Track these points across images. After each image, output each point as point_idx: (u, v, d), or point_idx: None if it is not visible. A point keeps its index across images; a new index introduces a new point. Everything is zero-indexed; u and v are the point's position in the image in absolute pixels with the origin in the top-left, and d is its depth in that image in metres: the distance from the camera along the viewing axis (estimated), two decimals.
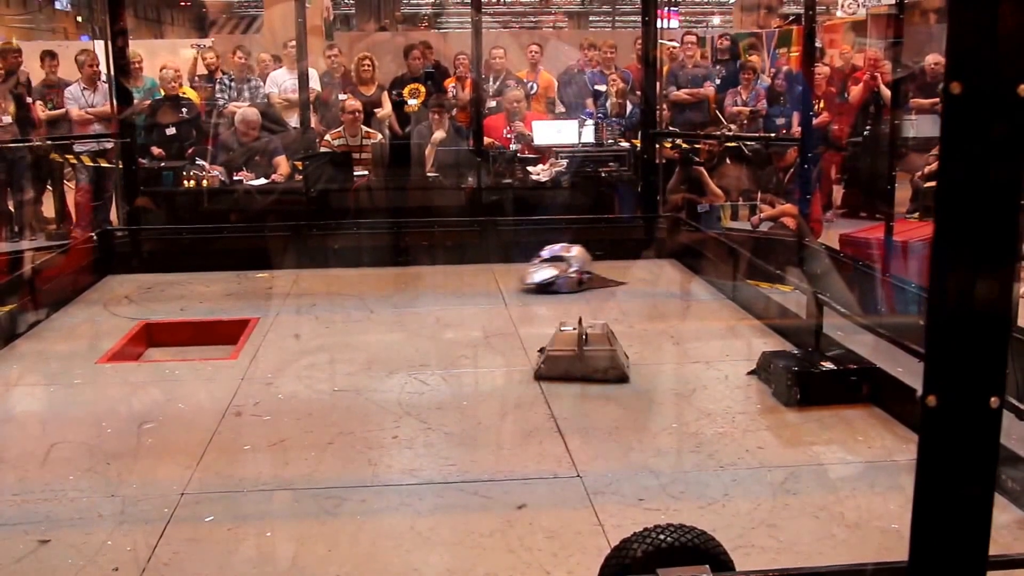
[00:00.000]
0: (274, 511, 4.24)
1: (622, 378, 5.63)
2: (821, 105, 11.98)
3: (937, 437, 1.75)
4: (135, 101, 10.10)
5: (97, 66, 11.30)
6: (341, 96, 10.95)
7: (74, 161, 11.30)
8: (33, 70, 12.27)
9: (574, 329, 5.75)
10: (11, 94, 11.49)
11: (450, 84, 11.69)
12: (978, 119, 1.57)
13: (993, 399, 1.69)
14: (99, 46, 11.38)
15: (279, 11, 15.22)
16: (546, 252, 8.00)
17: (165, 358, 6.58)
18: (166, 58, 13.15)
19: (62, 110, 11.57)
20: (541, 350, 5.87)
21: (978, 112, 1.56)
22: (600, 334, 5.78)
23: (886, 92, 11.29)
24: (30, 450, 4.80)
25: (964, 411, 1.70)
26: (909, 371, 5.16)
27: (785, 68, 13.51)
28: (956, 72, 1.56)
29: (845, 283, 7.00)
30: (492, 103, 11.14)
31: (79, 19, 21.79)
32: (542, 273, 7.81)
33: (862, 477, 4.50)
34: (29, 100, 11.66)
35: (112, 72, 9.10)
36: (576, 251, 7.97)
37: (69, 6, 20.23)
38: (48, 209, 11.96)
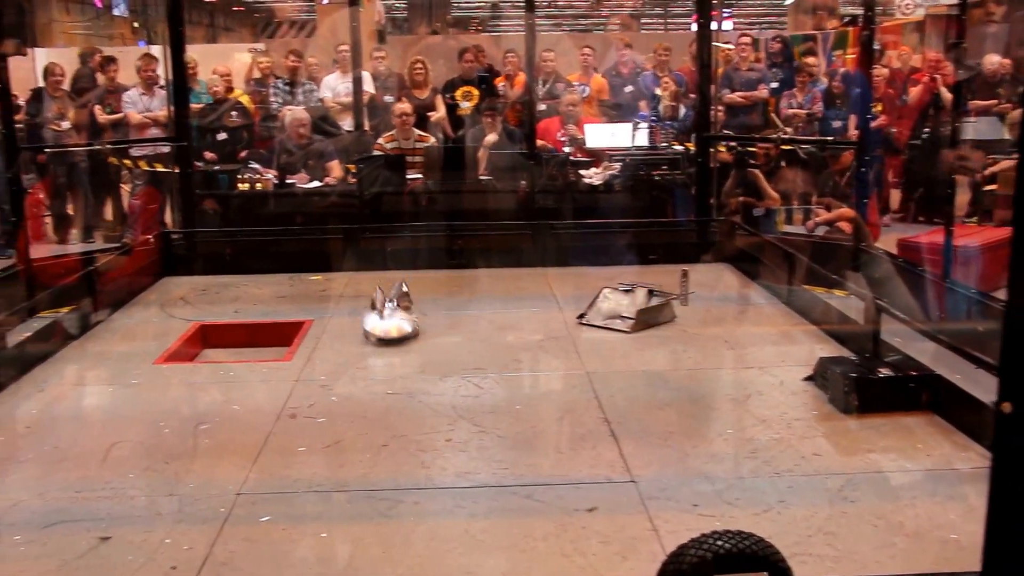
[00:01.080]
0: (329, 512, 4.26)
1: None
2: (879, 107, 11.85)
3: (1012, 444, 1.72)
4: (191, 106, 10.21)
5: (155, 71, 11.43)
6: (392, 99, 10.98)
7: (131, 165, 11.43)
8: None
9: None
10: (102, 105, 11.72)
11: (499, 83, 11.69)
12: None
13: None
14: (153, 51, 11.57)
15: (332, 16, 15.32)
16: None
17: (220, 359, 6.64)
18: (219, 63, 13.24)
19: (120, 114, 11.72)
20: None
21: None
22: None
23: (947, 95, 11.15)
24: (91, 448, 4.86)
25: None
26: (969, 379, 5.08)
27: (842, 70, 13.38)
28: None
29: (904, 288, 6.92)
30: (543, 106, 11.12)
31: (135, 25, 22.04)
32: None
33: (921, 486, 4.43)
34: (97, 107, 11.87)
35: (171, 77, 9.18)
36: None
37: (127, 12, 20.47)
38: (106, 212, 12.11)
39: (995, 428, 1.75)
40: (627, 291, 7.08)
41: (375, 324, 6.53)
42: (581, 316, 7.01)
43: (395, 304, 6.64)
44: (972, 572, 1.95)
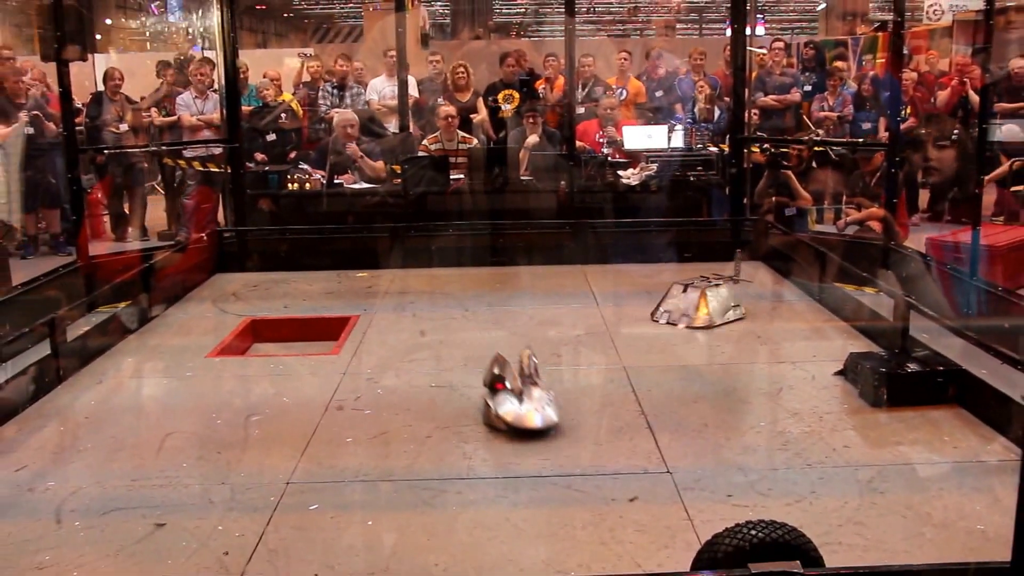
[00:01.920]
0: (375, 501, 4.28)
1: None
2: (908, 110, 11.76)
3: None
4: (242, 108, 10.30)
5: (208, 76, 11.53)
6: (439, 102, 10.99)
7: (185, 166, 11.53)
8: (150, 79, 12.67)
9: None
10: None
11: (540, 86, 11.70)
12: None
13: None
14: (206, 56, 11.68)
15: (379, 22, 15.38)
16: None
17: (270, 353, 6.69)
18: (270, 67, 13.34)
19: (174, 117, 11.83)
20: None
21: None
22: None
23: (975, 97, 11.03)
24: (147, 439, 4.91)
25: None
26: (995, 373, 5.07)
27: (871, 73, 13.28)
28: None
29: (932, 286, 6.86)
30: (582, 109, 11.12)
31: (190, 31, 22.25)
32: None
33: (948, 477, 4.40)
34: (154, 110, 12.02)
35: (224, 81, 9.25)
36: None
37: (181, 19, 20.68)
38: (159, 210, 12.22)
39: None
40: (691, 287, 6.95)
41: (512, 409, 4.93)
42: (652, 313, 6.97)
43: (532, 380, 5.14)
44: (1002, 562, 1.93)
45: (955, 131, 11.47)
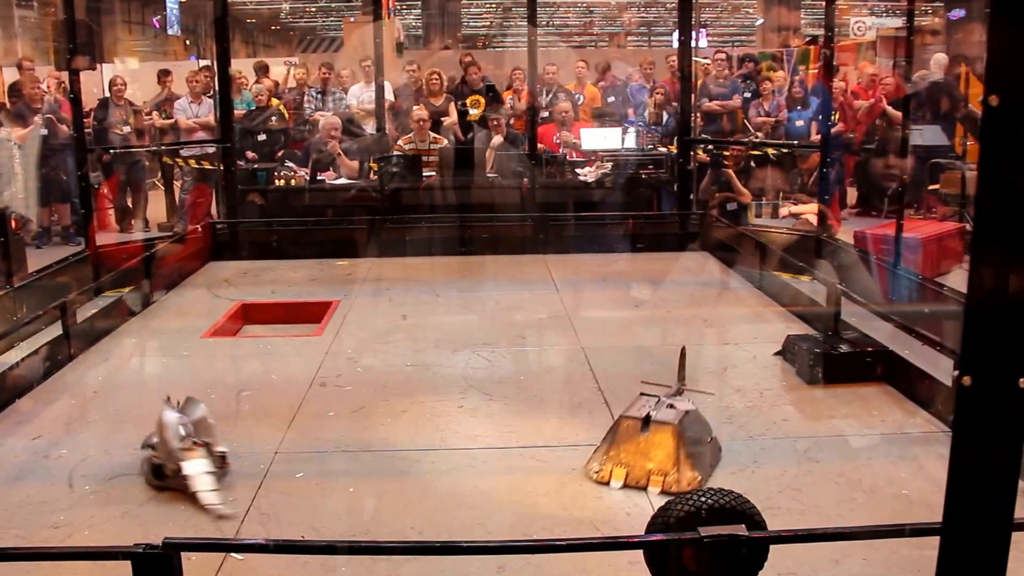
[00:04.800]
0: (356, 469, 4.25)
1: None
2: (838, 116, 11.78)
3: (970, 413, 1.71)
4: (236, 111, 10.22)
5: (203, 82, 11.43)
6: (414, 107, 10.89)
7: (182, 164, 11.41)
8: (151, 86, 12.54)
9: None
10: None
11: (508, 96, 11.63)
12: (1013, 128, 1.50)
13: (1022, 379, 1.65)
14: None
15: (357, 33, 15.24)
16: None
17: (259, 334, 6.62)
18: (263, 74, 13.22)
19: (172, 120, 11.72)
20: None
21: (1013, 122, 1.50)
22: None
23: (892, 111, 11.07)
24: (149, 412, 4.78)
25: (995, 390, 1.66)
26: (917, 353, 5.10)
27: (798, 78, 13.34)
28: (994, 86, 1.49)
29: (861, 275, 6.88)
30: (545, 113, 11.07)
31: (187, 42, 22.00)
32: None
33: (876, 448, 4.43)
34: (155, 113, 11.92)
35: (218, 87, 9.17)
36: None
37: (180, 32, 20.43)
38: (159, 204, 12.08)
39: (956, 399, 1.73)
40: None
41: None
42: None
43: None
44: (933, 523, 1.93)
45: (878, 136, 11.53)
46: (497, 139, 10.24)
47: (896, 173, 10.18)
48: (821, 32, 10.80)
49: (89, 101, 10.94)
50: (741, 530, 2.61)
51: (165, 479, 3.93)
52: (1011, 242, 1.53)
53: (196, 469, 3.87)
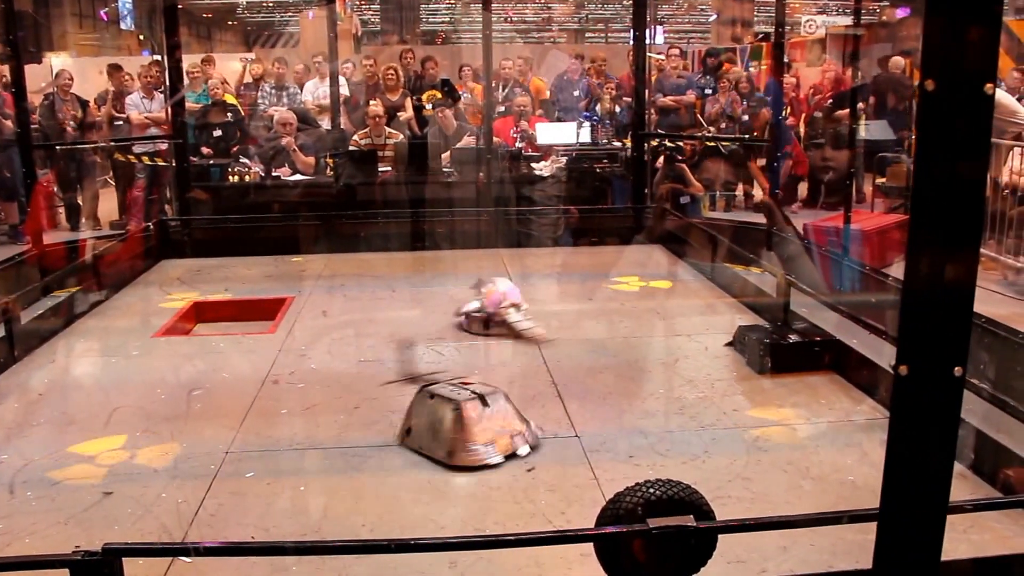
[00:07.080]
0: (307, 468, 4.18)
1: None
2: (788, 111, 11.86)
3: (907, 401, 1.70)
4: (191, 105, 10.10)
5: (155, 77, 11.26)
6: (370, 102, 10.81)
7: (134, 160, 11.23)
8: (100, 81, 12.33)
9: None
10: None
11: (461, 89, 11.58)
12: (949, 113, 1.48)
13: (957, 368, 1.66)
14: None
15: (312, 27, 15.10)
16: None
17: (212, 332, 6.51)
18: (216, 70, 13.07)
19: (124, 115, 11.53)
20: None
21: (948, 107, 1.48)
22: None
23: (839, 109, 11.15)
24: (95, 413, 4.74)
25: (931, 379, 1.66)
26: (864, 343, 5.14)
27: (750, 71, 13.43)
28: (930, 71, 1.48)
29: (809, 266, 6.92)
30: (501, 107, 11.04)
31: (141, 37, 21.68)
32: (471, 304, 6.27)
33: (824, 435, 4.44)
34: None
35: (169, 82, 9.05)
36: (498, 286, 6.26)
37: (133, 26, 20.14)
38: (110, 202, 11.90)
39: (893, 387, 1.72)
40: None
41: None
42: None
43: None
44: (871, 509, 1.93)
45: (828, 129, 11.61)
46: (452, 125, 10.22)
47: (832, 165, 10.36)
48: (772, 29, 10.88)
49: (35, 97, 10.75)
50: (690, 521, 2.60)
51: (490, 327, 5.95)
52: (947, 231, 1.52)
53: (515, 317, 5.91)
